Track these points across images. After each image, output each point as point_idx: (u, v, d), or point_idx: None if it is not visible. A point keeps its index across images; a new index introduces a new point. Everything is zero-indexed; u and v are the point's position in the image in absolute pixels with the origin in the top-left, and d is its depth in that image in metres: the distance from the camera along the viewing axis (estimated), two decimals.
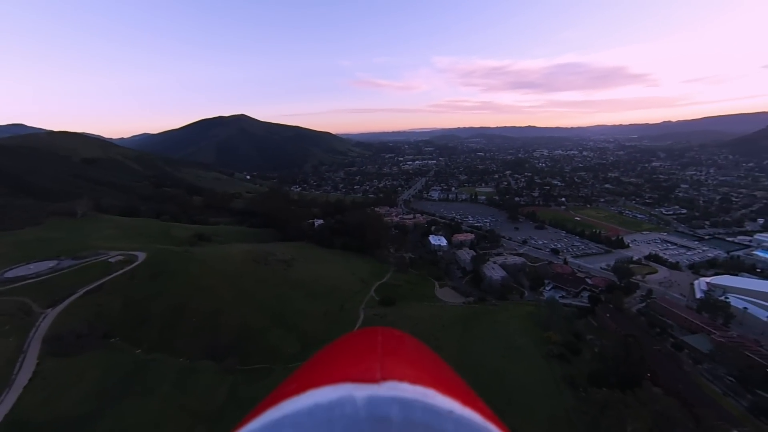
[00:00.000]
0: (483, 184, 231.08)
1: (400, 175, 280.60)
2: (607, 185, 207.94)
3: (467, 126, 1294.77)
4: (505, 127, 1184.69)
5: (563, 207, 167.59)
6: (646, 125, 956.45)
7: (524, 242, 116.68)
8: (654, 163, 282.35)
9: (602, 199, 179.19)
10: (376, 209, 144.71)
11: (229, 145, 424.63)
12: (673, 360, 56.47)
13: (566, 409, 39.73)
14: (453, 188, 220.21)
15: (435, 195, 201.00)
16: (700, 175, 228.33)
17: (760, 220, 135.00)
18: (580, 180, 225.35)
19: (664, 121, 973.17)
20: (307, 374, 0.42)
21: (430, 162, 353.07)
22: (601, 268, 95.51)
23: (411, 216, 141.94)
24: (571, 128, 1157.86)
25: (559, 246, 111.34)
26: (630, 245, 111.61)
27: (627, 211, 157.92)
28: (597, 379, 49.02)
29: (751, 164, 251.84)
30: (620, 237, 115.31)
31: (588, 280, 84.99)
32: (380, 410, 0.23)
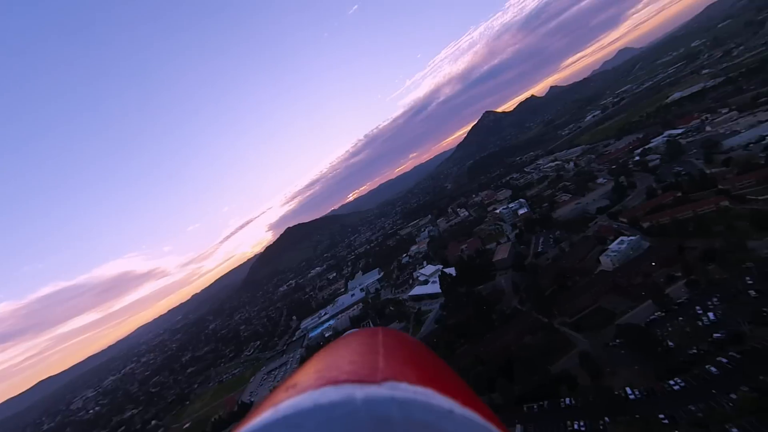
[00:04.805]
0: None
1: None
2: (188, 370, 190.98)
3: None
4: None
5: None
6: (180, 305, 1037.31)
7: None
8: (210, 326, 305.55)
9: (195, 386, 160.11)
10: None
11: None
12: None
13: None
14: None
15: None
16: (246, 313, 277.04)
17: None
18: (159, 386, 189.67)
19: (193, 295, 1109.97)
20: (307, 375, 0.35)
21: None
22: None
23: None
24: (118, 341, 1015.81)
25: None
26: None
27: (224, 376, 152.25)
28: None
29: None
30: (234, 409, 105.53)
31: None
32: (380, 410, 0.22)
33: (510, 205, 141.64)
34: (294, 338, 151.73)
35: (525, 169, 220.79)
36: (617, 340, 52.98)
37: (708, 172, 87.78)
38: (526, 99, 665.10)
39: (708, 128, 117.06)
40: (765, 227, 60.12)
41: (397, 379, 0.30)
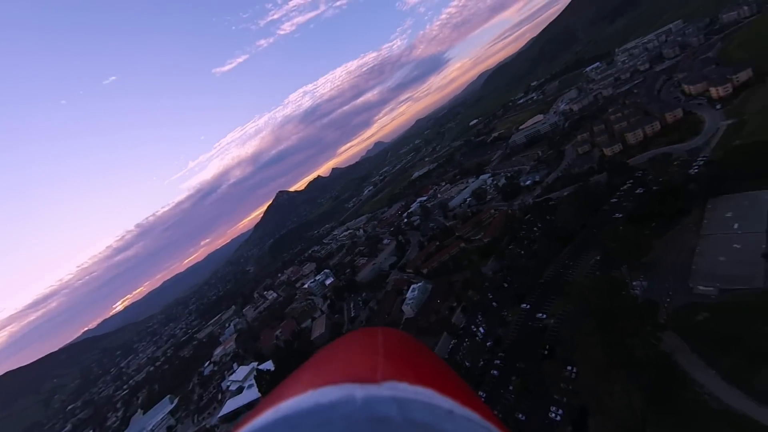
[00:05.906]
0: None
1: None
2: None
3: None
4: None
5: None
6: None
7: None
8: None
9: None
10: None
11: None
12: None
13: None
14: None
15: None
16: None
17: None
18: None
19: None
20: (307, 374, 0.41)
21: None
22: None
23: None
24: None
25: None
26: None
27: None
28: None
29: None
30: None
31: None
32: (380, 410, 0.22)
33: (317, 278, 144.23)
34: None
35: (324, 241, 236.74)
36: None
37: (448, 224, 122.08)
38: (315, 179, 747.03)
39: (439, 195, 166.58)
40: (485, 256, 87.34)
41: (397, 379, 0.33)
